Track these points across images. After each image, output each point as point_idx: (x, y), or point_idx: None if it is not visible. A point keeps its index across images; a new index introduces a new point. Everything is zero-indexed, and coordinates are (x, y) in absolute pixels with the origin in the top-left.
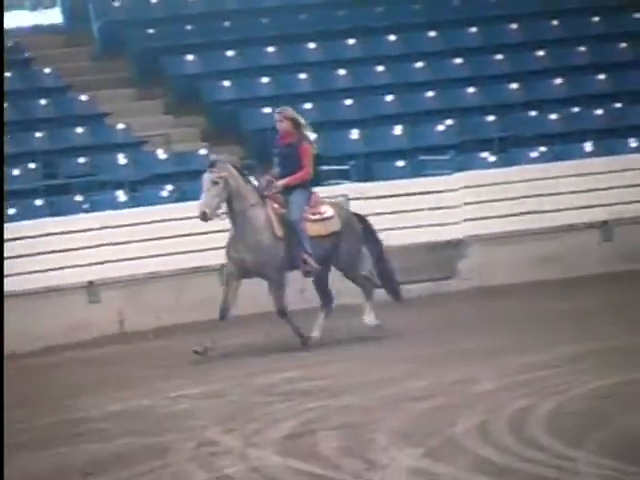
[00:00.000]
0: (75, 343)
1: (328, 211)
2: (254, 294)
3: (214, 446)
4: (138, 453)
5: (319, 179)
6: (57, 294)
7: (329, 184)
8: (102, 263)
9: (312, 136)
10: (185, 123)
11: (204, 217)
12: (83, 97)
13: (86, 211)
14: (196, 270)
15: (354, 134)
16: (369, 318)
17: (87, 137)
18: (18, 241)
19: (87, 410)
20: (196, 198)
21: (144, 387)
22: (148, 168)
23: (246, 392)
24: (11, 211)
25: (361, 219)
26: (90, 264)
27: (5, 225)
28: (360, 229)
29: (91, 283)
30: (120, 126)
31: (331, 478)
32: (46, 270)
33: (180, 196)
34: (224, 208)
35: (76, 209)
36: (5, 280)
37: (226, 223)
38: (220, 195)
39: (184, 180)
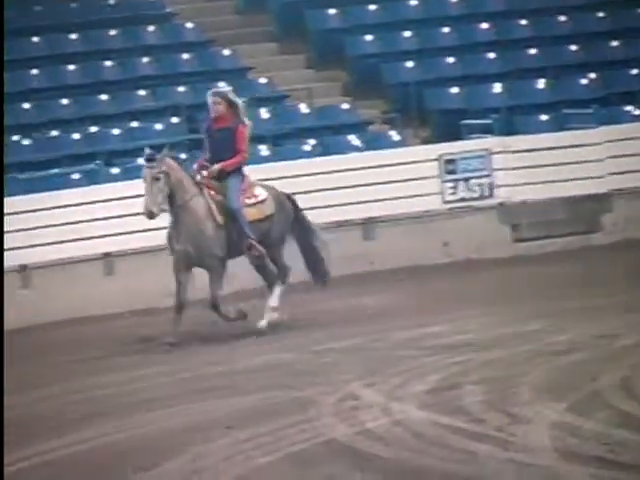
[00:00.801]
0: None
1: (262, 194)
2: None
3: (356, 400)
4: (280, 407)
5: (461, 133)
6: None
7: (472, 138)
8: None
9: (247, 120)
10: (327, 77)
11: (151, 216)
12: (226, 51)
13: None
14: (338, 224)
15: (497, 88)
16: (273, 302)
17: None
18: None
19: (230, 363)
20: (339, 152)
21: (286, 340)
22: (290, 122)
23: (389, 346)
24: None
25: (289, 199)
26: None
27: None
28: (291, 210)
29: None
30: (262, 80)
31: (475, 432)
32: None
33: (323, 150)
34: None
35: None
36: None
37: (366, 174)
38: (163, 190)
39: (326, 134)
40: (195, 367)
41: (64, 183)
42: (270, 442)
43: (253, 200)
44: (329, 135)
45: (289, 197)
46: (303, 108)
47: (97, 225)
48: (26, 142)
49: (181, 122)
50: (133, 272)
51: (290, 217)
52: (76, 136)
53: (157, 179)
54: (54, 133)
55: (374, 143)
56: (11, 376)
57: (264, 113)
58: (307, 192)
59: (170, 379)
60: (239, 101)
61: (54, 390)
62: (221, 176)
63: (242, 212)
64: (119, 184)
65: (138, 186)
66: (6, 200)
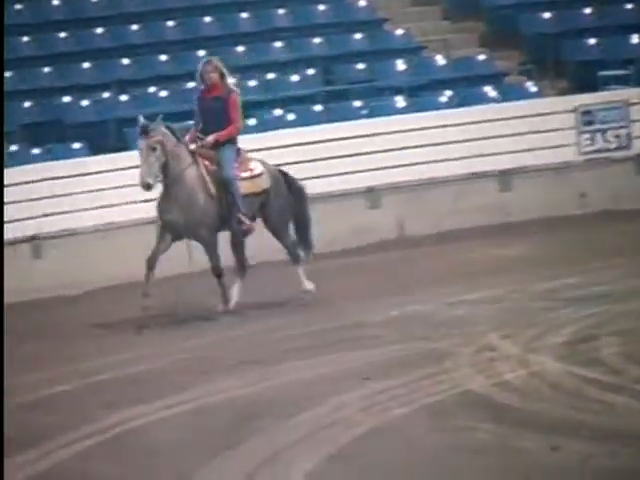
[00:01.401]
0: (356, 248)
1: (258, 167)
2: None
3: (493, 352)
4: (416, 358)
5: (598, 84)
6: (339, 199)
7: (609, 89)
8: (382, 169)
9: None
10: (463, 29)
11: (148, 187)
12: (362, 3)
13: (365, 117)
14: (475, 176)
15: (635, 38)
16: (306, 285)
17: (366, 43)
18: (299, 147)
19: (365, 315)
20: (475, 104)
21: (421, 293)
22: (427, 74)
23: (525, 298)
24: (290, 117)
25: (284, 175)
26: (370, 170)
27: (290, 130)
28: (286, 186)
29: (371, 189)
30: (399, 32)
31: (611, 384)
32: (329, 175)
33: (460, 102)
34: None
35: (355, 115)
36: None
37: (503, 126)
38: (159, 159)
39: (463, 86)
40: (331, 319)
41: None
42: (405, 393)
43: (249, 174)
44: (465, 87)
45: (283, 173)
46: (439, 60)
47: None
48: (163, 94)
49: (317, 74)
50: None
51: (287, 194)
52: None
53: (153, 149)
54: (190, 84)
55: (510, 94)
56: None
57: (400, 65)
58: (443, 144)
59: (307, 330)
60: (226, 71)
61: (208, 339)
62: (215, 146)
63: (235, 183)
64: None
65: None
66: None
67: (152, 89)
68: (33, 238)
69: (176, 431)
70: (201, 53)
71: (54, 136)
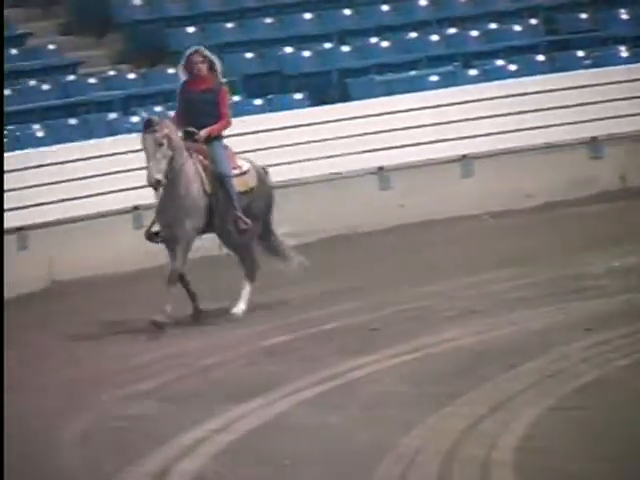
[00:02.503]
0: (575, 199)
1: (244, 165)
2: None
3: None
4: (639, 309)
5: None
6: (560, 149)
7: None
8: (603, 119)
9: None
10: None
11: (157, 185)
12: None
13: (587, 67)
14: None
15: None
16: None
17: None
18: (521, 97)
19: (587, 266)
20: None
21: None
22: None
23: None
24: (512, 67)
25: (266, 174)
26: (593, 120)
27: (511, 81)
28: (269, 184)
29: (594, 139)
30: None
31: None
32: (550, 126)
33: None
34: None
35: (577, 65)
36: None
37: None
38: (167, 155)
39: None
40: (554, 270)
41: (422, 85)
42: (628, 345)
43: (237, 171)
44: None
45: (265, 172)
46: None
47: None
48: (384, 44)
49: (539, 24)
50: (491, 173)
51: (268, 192)
52: (434, 38)
53: (160, 144)
54: (412, 35)
55: None
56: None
57: (623, 14)
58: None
59: (531, 281)
60: (217, 62)
61: (430, 289)
62: (206, 141)
63: (232, 179)
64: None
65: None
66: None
67: (373, 39)
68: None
69: (401, 380)
70: (422, 2)
71: (275, 87)
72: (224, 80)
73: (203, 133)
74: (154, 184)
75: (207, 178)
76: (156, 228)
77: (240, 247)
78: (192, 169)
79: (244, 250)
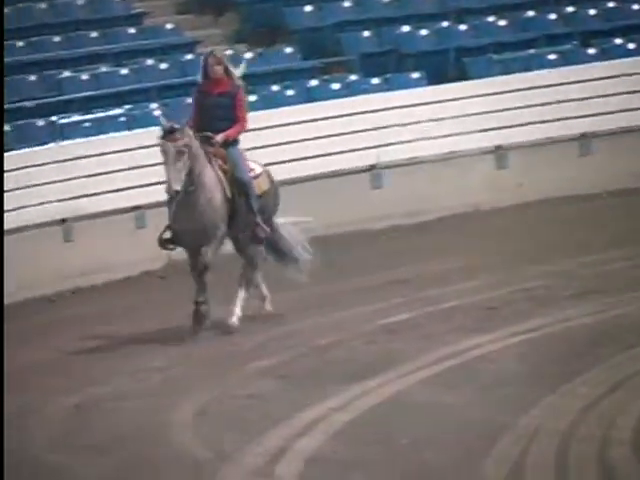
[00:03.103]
0: None
1: (257, 168)
2: None
3: None
4: None
5: None
6: None
7: None
8: None
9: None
10: None
11: (176, 194)
12: None
13: None
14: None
15: None
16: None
17: None
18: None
19: None
20: None
21: None
22: None
23: None
24: (631, 45)
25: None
26: None
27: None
28: (276, 188)
29: None
30: None
31: None
32: None
33: None
34: None
35: None
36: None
37: None
38: (186, 165)
39: None
40: None
41: (540, 64)
42: None
43: (252, 174)
44: None
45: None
46: None
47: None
48: (502, 23)
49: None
50: (609, 152)
51: (276, 193)
52: (552, 16)
53: (181, 153)
54: (530, 13)
55: None
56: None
57: None
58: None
59: None
60: (231, 65)
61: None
62: (224, 145)
63: (253, 184)
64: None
65: None
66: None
67: (491, 18)
68: (373, 167)
69: (519, 359)
70: None
71: (392, 66)
72: (240, 82)
73: (220, 138)
74: (172, 194)
75: (227, 183)
76: (168, 235)
77: (249, 252)
78: (213, 175)
79: (252, 256)
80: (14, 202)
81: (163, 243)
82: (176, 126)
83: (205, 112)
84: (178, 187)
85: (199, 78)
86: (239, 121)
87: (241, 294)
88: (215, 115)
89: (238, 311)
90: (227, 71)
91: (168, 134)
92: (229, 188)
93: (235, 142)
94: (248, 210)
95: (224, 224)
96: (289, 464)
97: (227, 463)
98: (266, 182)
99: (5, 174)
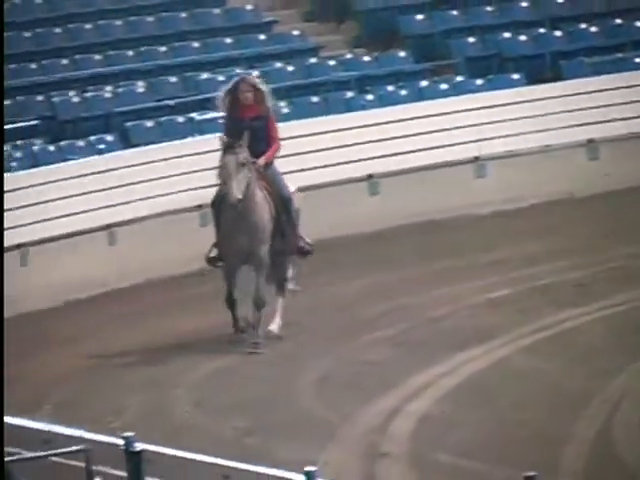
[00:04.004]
0: None
1: (290, 185)
2: None
3: None
4: None
5: None
6: None
7: None
8: None
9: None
10: None
11: (238, 203)
12: None
13: None
14: None
15: None
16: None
17: None
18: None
19: None
20: None
21: None
22: None
23: None
24: None
25: None
26: None
27: None
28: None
29: None
30: None
31: None
32: None
33: None
34: None
35: None
36: None
37: None
38: (246, 177)
39: None
40: None
41: (627, 66)
42: None
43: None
44: None
45: None
46: None
47: None
48: (593, 29)
49: None
50: None
51: (298, 215)
52: (638, 24)
53: (243, 165)
54: (618, 21)
55: None
56: None
57: None
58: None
59: None
60: (264, 87)
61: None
62: (264, 168)
63: (295, 202)
64: None
65: None
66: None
67: (583, 25)
68: (476, 159)
69: (609, 331)
70: None
71: (495, 68)
72: (269, 103)
73: (262, 161)
74: (237, 203)
75: (272, 202)
76: (214, 254)
77: (278, 264)
78: (260, 195)
79: (280, 267)
80: (167, 188)
81: (211, 261)
82: (234, 141)
83: (240, 136)
84: (240, 195)
85: (220, 105)
86: (274, 142)
87: (280, 302)
88: (251, 139)
89: (279, 320)
90: (257, 94)
91: (229, 148)
92: (274, 207)
93: (271, 162)
94: (291, 225)
95: (269, 244)
96: (402, 423)
97: (346, 422)
98: (298, 200)
99: (157, 163)
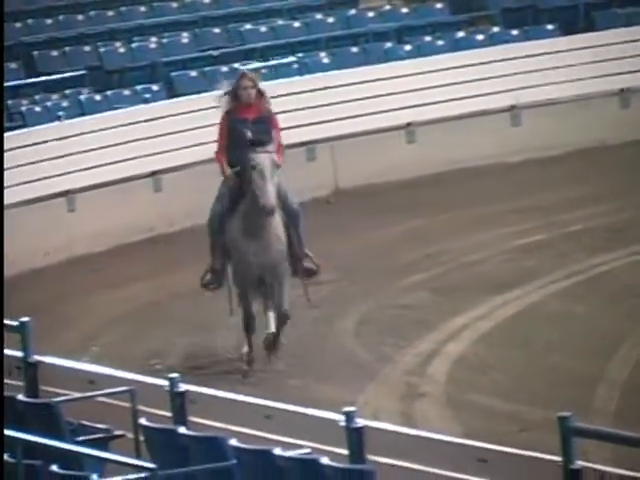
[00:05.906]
0: None
1: (297, 199)
2: None
3: None
4: None
5: None
6: None
7: None
8: None
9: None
10: None
11: (273, 212)
12: None
13: None
14: None
15: None
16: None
17: None
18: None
19: None
20: None
21: None
22: None
23: None
24: None
25: None
26: None
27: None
28: None
29: None
30: None
31: None
32: None
33: None
34: None
35: None
36: None
37: None
38: (277, 182)
39: None
40: None
41: None
42: None
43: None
44: None
45: None
46: None
47: None
48: None
49: None
50: None
51: None
52: None
53: (278, 166)
54: None
55: None
56: None
57: None
58: None
59: None
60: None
61: None
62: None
63: (302, 216)
64: None
65: None
66: None
67: None
68: (513, 107)
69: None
70: None
71: (530, 19)
72: (270, 101)
73: (281, 163)
74: (271, 212)
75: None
76: (208, 278)
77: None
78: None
79: (282, 281)
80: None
81: (205, 285)
82: (264, 140)
83: (243, 139)
84: (275, 202)
85: (222, 103)
86: (279, 145)
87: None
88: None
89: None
90: (259, 92)
91: (259, 145)
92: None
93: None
94: (299, 243)
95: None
96: (439, 365)
97: (385, 363)
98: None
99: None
